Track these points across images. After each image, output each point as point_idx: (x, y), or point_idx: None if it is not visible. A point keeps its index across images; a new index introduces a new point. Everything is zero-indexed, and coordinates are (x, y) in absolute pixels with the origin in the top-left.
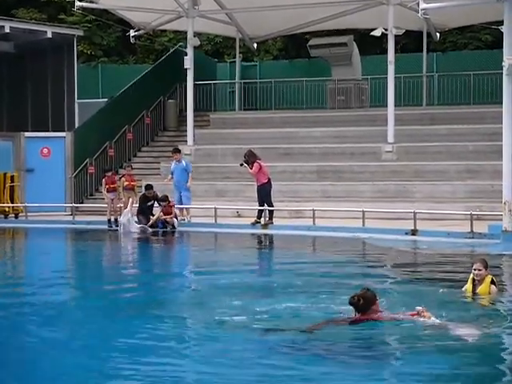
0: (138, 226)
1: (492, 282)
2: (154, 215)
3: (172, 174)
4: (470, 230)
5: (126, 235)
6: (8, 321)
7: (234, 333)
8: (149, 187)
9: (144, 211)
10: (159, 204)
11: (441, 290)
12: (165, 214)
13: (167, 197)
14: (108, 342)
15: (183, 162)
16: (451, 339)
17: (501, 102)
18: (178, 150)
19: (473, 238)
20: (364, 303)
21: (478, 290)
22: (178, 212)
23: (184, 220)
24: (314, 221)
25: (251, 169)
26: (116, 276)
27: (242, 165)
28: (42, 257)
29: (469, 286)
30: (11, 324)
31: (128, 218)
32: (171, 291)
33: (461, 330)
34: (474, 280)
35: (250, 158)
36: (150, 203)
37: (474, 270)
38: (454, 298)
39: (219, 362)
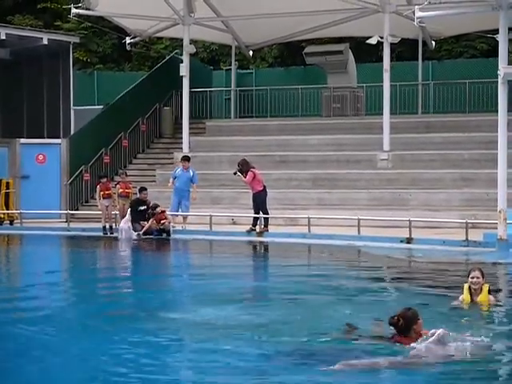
0: (134, 233)
1: (488, 291)
2: (146, 221)
3: (174, 178)
4: (465, 238)
5: (125, 242)
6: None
7: (222, 341)
8: (143, 189)
9: (136, 217)
10: (151, 213)
11: (453, 304)
12: (157, 222)
13: (158, 205)
14: (96, 352)
15: (191, 171)
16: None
17: (496, 111)
18: (187, 159)
19: (468, 246)
20: (404, 324)
21: (477, 300)
22: (170, 218)
23: (175, 227)
24: (309, 228)
25: (245, 177)
26: (108, 284)
27: (235, 173)
28: (35, 264)
29: (466, 296)
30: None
31: (128, 225)
32: (163, 298)
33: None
34: (470, 289)
35: (244, 167)
36: (142, 207)
37: (472, 278)
38: (452, 308)
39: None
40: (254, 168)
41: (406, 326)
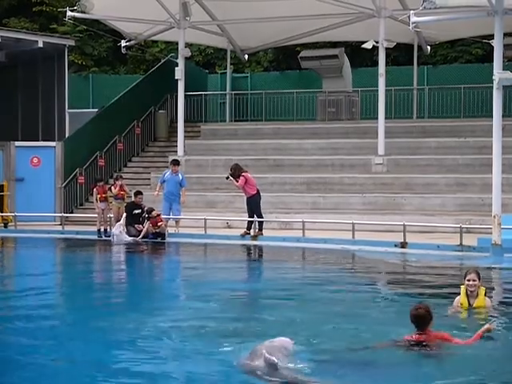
0: (130, 238)
1: (485, 294)
2: (142, 225)
3: (162, 182)
4: (459, 243)
5: (118, 245)
6: None
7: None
8: (138, 193)
9: (131, 221)
10: (147, 217)
11: (450, 307)
12: (153, 225)
13: (153, 209)
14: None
15: (180, 175)
16: None
17: (491, 116)
18: (177, 163)
19: (462, 251)
20: (430, 316)
21: (474, 304)
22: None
23: (168, 231)
24: (303, 232)
25: (237, 182)
26: (96, 286)
27: (227, 178)
28: (27, 267)
29: (464, 300)
30: None
31: (120, 230)
32: (155, 301)
33: None
34: (466, 292)
35: (236, 171)
36: (137, 211)
37: (468, 280)
38: (451, 312)
39: None
40: (246, 172)
41: (430, 319)
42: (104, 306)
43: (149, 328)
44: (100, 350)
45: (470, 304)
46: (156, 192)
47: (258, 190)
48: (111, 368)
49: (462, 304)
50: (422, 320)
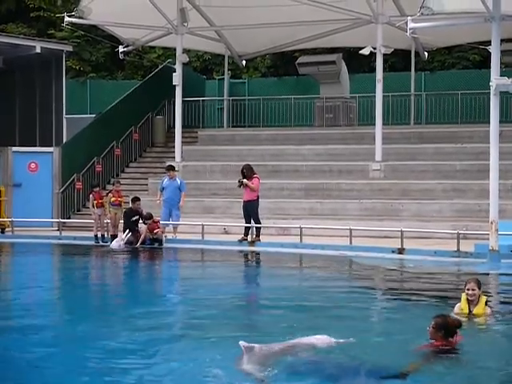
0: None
1: (486, 303)
2: (139, 231)
3: (162, 190)
4: (456, 249)
5: (115, 251)
6: None
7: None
8: (136, 199)
9: (130, 228)
10: (144, 222)
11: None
12: (150, 231)
13: (151, 215)
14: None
15: (177, 180)
16: None
17: (488, 122)
18: (172, 168)
19: (459, 256)
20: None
21: (474, 311)
22: (163, 228)
23: (166, 236)
24: (301, 238)
25: (252, 183)
26: (97, 292)
27: (241, 184)
28: (23, 272)
29: (464, 306)
30: None
31: (120, 243)
32: (150, 305)
33: None
34: (467, 299)
35: (249, 172)
36: (134, 218)
37: (468, 289)
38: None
39: None
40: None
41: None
42: (99, 311)
43: (145, 332)
44: (92, 355)
45: (470, 310)
46: (158, 200)
47: (258, 197)
48: (101, 372)
49: (462, 309)
50: (457, 328)
